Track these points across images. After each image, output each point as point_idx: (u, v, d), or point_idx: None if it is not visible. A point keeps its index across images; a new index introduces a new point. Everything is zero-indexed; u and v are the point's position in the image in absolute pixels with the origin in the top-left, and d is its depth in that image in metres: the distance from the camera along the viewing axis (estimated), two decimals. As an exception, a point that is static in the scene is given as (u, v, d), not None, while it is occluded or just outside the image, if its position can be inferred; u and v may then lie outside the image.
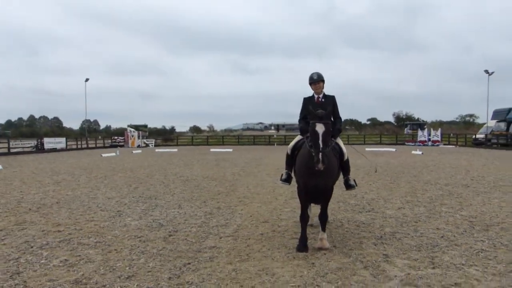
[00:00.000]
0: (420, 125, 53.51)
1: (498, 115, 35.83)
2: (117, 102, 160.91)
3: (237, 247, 5.09)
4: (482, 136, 35.83)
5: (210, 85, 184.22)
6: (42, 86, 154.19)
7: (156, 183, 11.60)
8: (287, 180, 5.55)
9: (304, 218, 5.01)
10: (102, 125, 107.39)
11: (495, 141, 33.08)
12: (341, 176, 5.55)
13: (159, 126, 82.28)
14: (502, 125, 33.80)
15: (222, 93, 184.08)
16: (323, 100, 5.24)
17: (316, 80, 5.24)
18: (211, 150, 34.64)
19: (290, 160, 5.41)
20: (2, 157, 25.04)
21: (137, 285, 3.83)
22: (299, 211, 5.27)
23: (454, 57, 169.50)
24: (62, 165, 18.83)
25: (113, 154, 28.20)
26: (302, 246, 4.85)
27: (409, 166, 16.72)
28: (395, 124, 75.86)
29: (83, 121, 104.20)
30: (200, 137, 58.96)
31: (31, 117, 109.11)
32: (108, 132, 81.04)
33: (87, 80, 47.23)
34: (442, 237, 5.49)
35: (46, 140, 32.45)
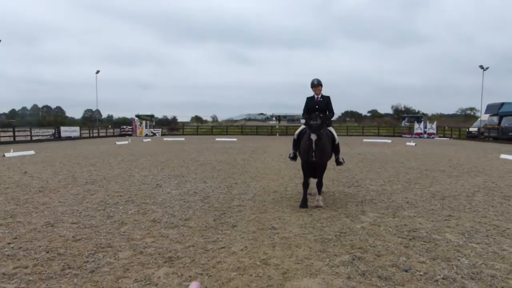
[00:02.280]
0: (417, 118, 55.34)
1: (491, 109, 37.62)
2: (116, 92, 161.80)
3: (256, 205, 7.03)
4: (475, 129, 37.65)
5: (208, 75, 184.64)
6: (38, 75, 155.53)
7: (177, 166, 13.52)
8: (294, 158, 7.49)
9: (305, 184, 6.96)
10: (104, 115, 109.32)
11: (487, 134, 34.93)
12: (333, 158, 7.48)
13: (159, 116, 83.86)
14: (495, 119, 35.57)
15: (221, 83, 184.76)
16: (321, 99, 7.14)
17: (316, 85, 7.13)
18: (217, 139, 36.56)
19: (296, 143, 7.32)
20: (26, 144, 27.03)
21: (194, 223, 5.76)
22: (301, 187, 7.21)
23: (455, 48, 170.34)
24: (86, 151, 20.79)
25: (126, 142, 30.14)
26: (303, 204, 6.80)
27: (399, 155, 18.64)
28: (395, 116, 77.73)
29: (85, 111, 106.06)
30: (205, 127, 60.83)
31: (35, 107, 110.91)
32: (110, 122, 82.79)
33: (97, 72, 49.09)
34: (407, 202, 7.41)
35: (62, 129, 34.51)
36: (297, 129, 7.58)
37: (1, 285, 3.59)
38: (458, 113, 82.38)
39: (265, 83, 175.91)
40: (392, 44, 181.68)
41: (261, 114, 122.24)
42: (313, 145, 6.36)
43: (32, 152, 18.91)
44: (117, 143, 28.60)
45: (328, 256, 4.40)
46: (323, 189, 8.24)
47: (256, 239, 5.01)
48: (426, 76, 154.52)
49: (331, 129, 7.28)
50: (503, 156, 17.37)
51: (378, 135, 47.51)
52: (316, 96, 7.20)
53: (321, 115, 6.64)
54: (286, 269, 3.99)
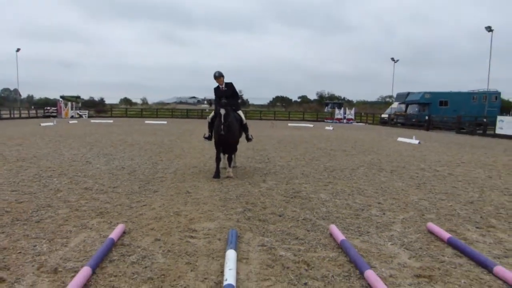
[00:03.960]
0: (339, 104, 59.15)
1: (400, 97, 41.70)
2: (36, 70, 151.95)
3: (176, 176, 8.28)
4: (386, 115, 41.50)
5: (138, 55, 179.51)
6: None
7: (106, 146, 14.27)
8: (209, 138, 8.79)
9: (217, 159, 8.31)
10: (23, 95, 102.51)
11: (396, 120, 38.78)
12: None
13: (86, 97, 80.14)
14: (403, 107, 39.55)
15: (152, 65, 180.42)
16: (225, 88, 8.49)
17: (218, 77, 8.43)
18: (146, 122, 36.85)
19: (210, 125, 8.62)
20: None
21: (121, 190, 6.88)
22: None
23: (380, 38, 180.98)
24: (9, 131, 20.53)
25: (51, 123, 29.56)
26: (216, 175, 8.16)
27: (314, 137, 20.71)
28: (321, 102, 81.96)
29: (1, 90, 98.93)
30: (134, 109, 60.10)
31: None
32: (31, 102, 78.37)
33: (18, 50, 46.50)
34: (302, 173, 9.06)
35: (-21, 108, 32.83)
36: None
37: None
38: (379, 100, 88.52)
39: (197, 66, 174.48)
40: (323, 32, 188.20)
41: (193, 97, 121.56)
42: (222, 119, 7.68)
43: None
44: (42, 124, 28.02)
45: (226, 209, 5.80)
46: (237, 164, 9.71)
47: (172, 200, 6.28)
48: (353, 64, 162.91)
49: (239, 112, 8.67)
50: (399, 139, 20.07)
51: (303, 119, 50.35)
52: (220, 86, 8.53)
53: (227, 98, 8.04)
54: (192, 217, 5.32)
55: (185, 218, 5.27)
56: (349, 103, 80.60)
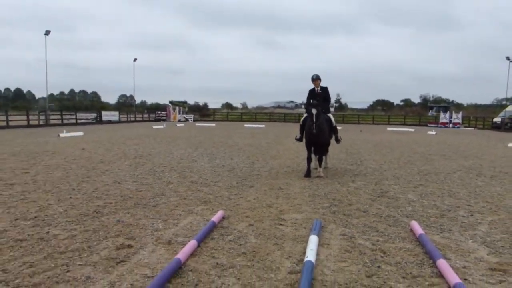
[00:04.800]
0: (445, 107, 55.51)
1: (516, 100, 37.85)
2: (147, 78, 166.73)
3: (271, 174, 8.96)
4: (499, 119, 38.04)
5: (239, 61, 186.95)
6: (71, 60, 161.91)
7: (209, 147, 15.59)
8: (300, 139, 9.34)
9: (309, 159, 8.82)
10: (137, 100, 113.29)
11: (510, 125, 35.39)
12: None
13: (191, 102, 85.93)
14: (519, 110, 35.94)
15: (252, 70, 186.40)
16: (320, 91, 8.94)
17: (315, 79, 8.91)
18: (245, 125, 38.61)
19: (302, 127, 9.15)
20: (72, 126, 29.95)
21: (221, 184, 7.75)
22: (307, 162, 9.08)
23: (493, 34, 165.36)
24: (127, 133, 23.27)
25: (161, 126, 32.61)
26: (307, 174, 8.67)
27: (413, 142, 20.08)
28: (425, 105, 77.55)
29: (119, 96, 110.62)
30: (235, 114, 63.01)
31: (72, 91, 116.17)
32: (144, 107, 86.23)
33: (135, 60, 51.99)
34: (393, 176, 9.13)
35: (103, 113, 37.59)
36: None
37: (96, 214, 5.64)
38: (494, 103, 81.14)
39: (295, 70, 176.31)
40: (427, 30, 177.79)
41: (291, 101, 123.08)
42: (314, 118, 8.17)
43: (81, 133, 21.54)
44: (154, 127, 31.11)
45: (314, 204, 6.28)
46: (329, 165, 10.12)
47: (265, 194, 6.95)
48: (464, 64, 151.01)
49: (329, 115, 9.08)
50: (510, 144, 18.52)
51: (404, 124, 48.31)
52: (316, 89, 9.00)
53: (318, 100, 8.52)
54: (282, 209, 5.91)
55: (276, 209, 5.87)
56: (458, 107, 75.03)
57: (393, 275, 3.57)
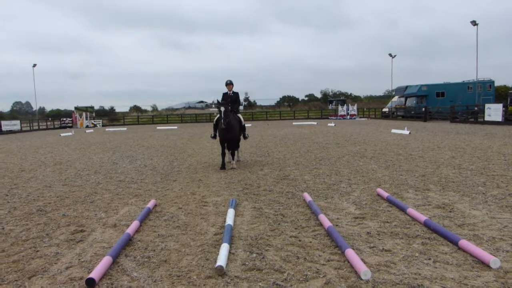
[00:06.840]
0: (342, 101, 60.70)
1: (399, 91, 43.22)
2: (43, 83, 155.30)
3: (190, 170, 10.12)
4: (387, 109, 43.03)
5: (142, 62, 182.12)
6: None
7: (126, 150, 16.18)
8: (214, 137, 10.62)
9: (223, 153, 10.16)
10: (34, 107, 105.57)
11: (396, 113, 40.31)
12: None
13: (96, 106, 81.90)
14: (402, 100, 41.05)
15: (157, 71, 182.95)
16: (232, 94, 10.31)
17: (229, 84, 10.25)
18: (158, 128, 38.89)
19: (215, 126, 10.43)
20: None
21: (147, 180, 8.73)
22: (221, 156, 10.37)
23: (383, 32, 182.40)
24: (35, 142, 22.61)
25: (70, 133, 31.70)
26: (222, 167, 9.99)
27: (314, 134, 22.44)
28: (326, 100, 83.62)
29: (13, 103, 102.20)
30: (146, 117, 62.32)
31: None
32: (43, 114, 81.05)
33: (34, 65, 48.87)
34: (294, 163, 10.82)
35: (3, 123, 35.24)
36: None
37: (41, 212, 6.35)
38: (386, 94, 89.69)
39: (202, 70, 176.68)
40: (326, 29, 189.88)
41: (201, 102, 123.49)
42: (223, 115, 9.48)
43: (-16, 146, 20.50)
44: (62, 134, 30.19)
45: (230, 189, 7.60)
46: (241, 159, 11.54)
47: (188, 185, 8.11)
48: (358, 59, 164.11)
49: (239, 115, 10.50)
50: (393, 131, 21.69)
51: (308, 118, 52.03)
52: (229, 92, 10.35)
53: (229, 102, 9.87)
54: (204, 195, 7.14)
55: (199, 196, 7.09)
56: (356, 99, 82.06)
57: (288, 227, 5.01)
